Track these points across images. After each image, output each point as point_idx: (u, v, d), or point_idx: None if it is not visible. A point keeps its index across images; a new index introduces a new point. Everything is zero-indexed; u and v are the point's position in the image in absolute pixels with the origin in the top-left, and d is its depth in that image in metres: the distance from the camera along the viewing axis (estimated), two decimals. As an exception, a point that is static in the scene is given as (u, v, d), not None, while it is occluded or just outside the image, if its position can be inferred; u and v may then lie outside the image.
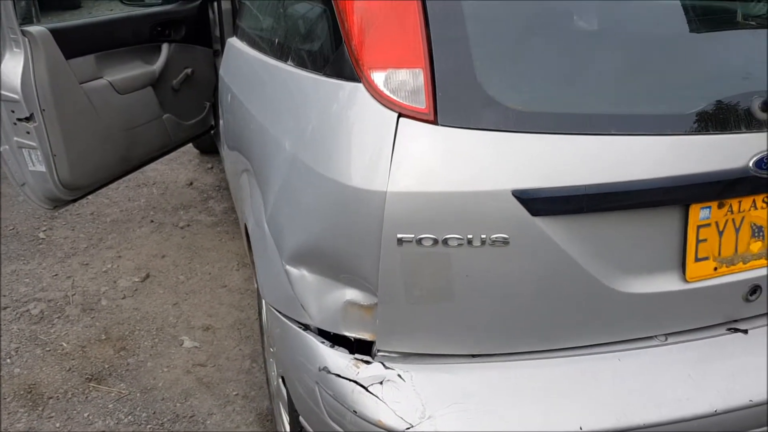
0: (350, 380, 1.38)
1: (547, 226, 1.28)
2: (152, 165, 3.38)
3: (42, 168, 2.72)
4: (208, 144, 4.32)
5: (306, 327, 1.51)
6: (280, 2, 1.92)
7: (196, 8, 3.45)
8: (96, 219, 3.68)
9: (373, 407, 1.33)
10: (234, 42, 2.38)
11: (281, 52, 1.79)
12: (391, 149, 1.28)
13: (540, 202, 1.27)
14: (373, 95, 1.33)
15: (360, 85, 1.35)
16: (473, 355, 1.41)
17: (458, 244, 1.28)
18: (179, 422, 2.24)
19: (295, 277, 1.49)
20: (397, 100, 1.31)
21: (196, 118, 3.60)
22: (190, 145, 4.22)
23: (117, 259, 3.27)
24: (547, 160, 1.28)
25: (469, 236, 1.28)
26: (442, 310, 1.35)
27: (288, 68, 1.69)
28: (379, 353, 1.43)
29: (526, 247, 1.29)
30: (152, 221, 3.66)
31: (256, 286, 2.30)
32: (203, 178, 4.24)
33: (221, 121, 2.58)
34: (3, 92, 2.54)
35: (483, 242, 1.28)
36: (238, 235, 3.49)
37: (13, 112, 2.60)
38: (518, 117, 1.29)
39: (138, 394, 2.37)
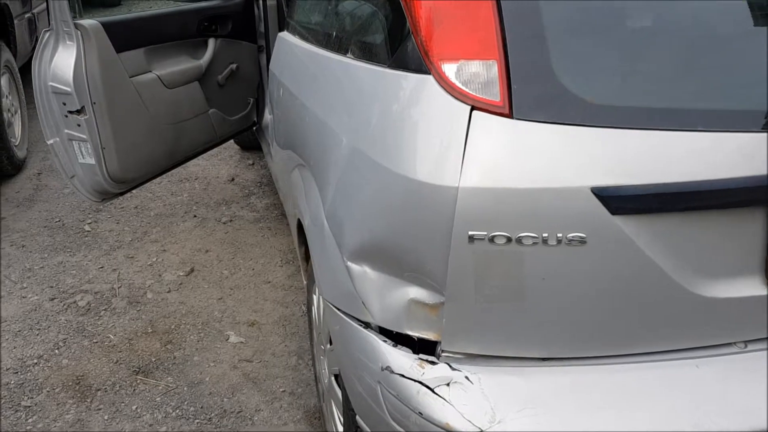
0: (415, 381, 1.34)
1: (627, 225, 1.23)
2: (194, 160, 3.37)
3: (91, 160, 2.73)
4: (250, 140, 4.31)
5: (367, 325, 1.48)
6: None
7: (242, 3, 3.44)
8: (140, 213, 3.70)
9: (439, 409, 1.29)
10: (285, 36, 2.36)
11: (339, 45, 1.76)
12: (463, 143, 1.24)
13: (621, 200, 1.21)
14: (443, 87, 1.29)
15: (429, 77, 1.31)
16: (543, 359, 1.35)
17: (533, 243, 1.23)
18: (227, 417, 2.23)
19: (356, 274, 1.46)
20: (470, 92, 1.27)
21: (240, 114, 3.60)
22: (232, 141, 4.22)
23: (162, 252, 3.27)
24: (628, 156, 1.22)
25: (545, 235, 1.23)
26: (512, 310, 1.31)
27: (347, 61, 1.66)
28: (444, 354, 1.38)
29: (604, 248, 1.24)
30: (195, 216, 3.66)
31: (304, 282, 2.28)
32: (245, 174, 4.24)
33: (270, 117, 2.56)
34: (55, 85, 2.56)
35: (559, 241, 1.23)
36: (280, 232, 3.48)
37: (64, 104, 2.62)
38: (597, 111, 1.24)
39: (185, 388, 2.36)
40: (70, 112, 2.63)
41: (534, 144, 1.23)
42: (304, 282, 2.31)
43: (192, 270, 3.11)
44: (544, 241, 1.23)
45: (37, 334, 2.65)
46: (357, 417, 1.61)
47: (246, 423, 2.21)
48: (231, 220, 3.61)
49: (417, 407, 1.32)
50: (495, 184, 1.22)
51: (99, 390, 2.35)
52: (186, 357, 2.52)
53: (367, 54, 1.58)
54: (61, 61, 2.55)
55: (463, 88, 1.27)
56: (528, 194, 1.22)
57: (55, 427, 2.19)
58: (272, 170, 3.33)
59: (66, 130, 2.68)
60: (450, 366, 1.34)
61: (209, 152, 3.52)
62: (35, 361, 2.50)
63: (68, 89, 2.56)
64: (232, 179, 4.15)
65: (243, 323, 2.73)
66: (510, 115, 1.24)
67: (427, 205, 1.27)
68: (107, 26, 2.62)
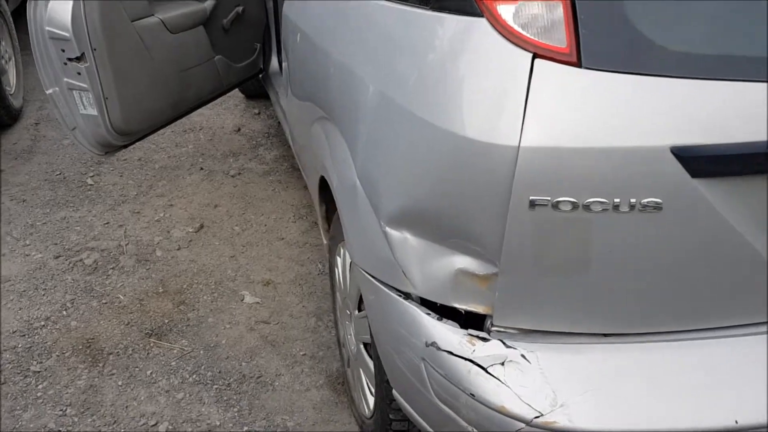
0: (465, 359, 1.22)
1: (708, 189, 1.09)
2: (198, 110, 3.21)
3: (93, 111, 2.57)
4: (255, 88, 4.12)
5: (407, 296, 1.35)
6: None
7: (247, -58, 3.22)
8: (144, 165, 3.55)
9: (494, 391, 1.18)
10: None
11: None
12: (524, 96, 1.09)
13: (703, 162, 1.07)
14: (499, 32, 1.13)
15: (482, 21, 1.15)
16: (605, 335, 1.24)
17: (602, 210, 1.10)
18: (246, 383, 2.14)
19: (396, 241, 1.33)
20: (532, 37, 1.11)
21: (247, 61, 3.41)
22: (236, 89, 4.04)
23: (169, 207, 3.14)
24: (712, 111, 1.08)
25: (616, 200, 1.10)
26: (575, 283, 1.18)
27: (379, 3, 1.49)
28: (494, 329, 1.27)
29: (681, 214, 1.11)
30: (202, 168, 3.51)
31: (324, 242, 2.15)
32: (251, 124, 4.07)
33: (284, 65, 2.39)
34: (53, 30, 2.37)
35: (632, 207, 1.10)
36: (291, 185, 3.34)
37: (63, 51, 2.44)
38: (677, 59, 1.09)
39: (201, 352, 2.26)
40: (70, 59, 2.45)
41: (605, 97, 1.08)
42: (324, 242, 2.19)
43: (201, 226, 2.98)
44: (615, 207, 1.10)
45: (43, 295, 2.54)
46: (393, 391, 1.51)
47: (266, 389, 2.12)
48: (239, 173, 3.46)
49: (468, 388, 1.21)
50: (561, 143, 1.08)
51: (111, 354, 2.25)
52: (200, 318, 2.42)
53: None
54: (58, 5, 2.36)
55: (523, 32, 1.12)
56: (598, 154, 1.08)
57: (66, 393, 2.10)
58: (284, 121, 3.16)
59: (66, 79, 2.50)
60: (504, 343, 1.23)
61: (213, 101, 3.35)
62: (42, 323, 2.39)
63: (67, 34, 2.37)
64: (238, 129, 3.98)
65: (258, 282, 2.61)
66: (578, 64, 1.09)
67: (481, 167, 1.14)
68: (106, -32, 2.42)
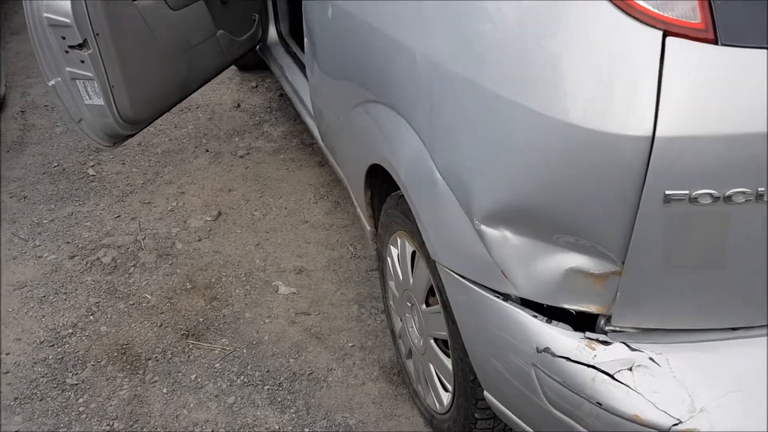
0: (587, 365, 1.14)
1: None
2: (199, 87, 3.05)
3: (99, 101, 2.40)
4: (249, 60, 3.93)
5: (506, 297, 1.26)
6: None
7: None
8: (145, 150, 3.37)
9: (624, 399, 1.10)
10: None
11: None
12: (656, 80, 0.99)
13: None
14: (621, 8, 1.02)
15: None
16: (734, 329, 1.16)
17: (745, 200, 1.01)
18: (298, 381, 2.04)
19: (493, 240, 1.22)
20: (660, 13, 1.00)
21: (247, 33, 3.24)
22: (231, 62, 3.85)
23: (180, 195, 2.99)
24: None
25: (761, 189, 1.00)
26: (707, 278, 1.10)
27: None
28: (609, 329, 1.18)
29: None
30: (207, 150, 3.35)
31: (367, 228, 2.05)
32: (250, 98, 3.89)
33: (307, 43, 2.23)
34: (51, 16, 2.19)
35: (777, 196, 1.00)
36: (305, 163, 3.20)
37: (63, 38, 2.25)
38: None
39: (244, 351, 2.16)
40: (71, 47, 2.27)
41: (747, 77, 0.98)
42: (368, 228, 2.08)
43: (219, 213, 2.84)
44: (759, 196, 1.01)
45: (65, 299, 2.40)
46: (486, 392, 1.43)
47: (320, 386, 2.03)
48: (248, 153, 3.31)
49: (594, 396, 1.12)
50: (700, 130, 0.98)
51: (149, 359, 2.14)
52: (236, 314, 2.31)
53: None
54: (56, -11, 2.18)
55: (650, 8, 1.00)
56: (742, 141, 0.98)
57: (110, 405, 1.99)
58: (294, 97, 3.01)
59: (68, 68, 2.32)
60: (628, 346, 1.14)
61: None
62: (70, 330, 2.26)
63: (67, 20, 2.19)
64: (238, 105, 3.80)
65: (290, 271, 2.50)
66: (714, 41, 0.98)
67: (607, 160, 1.03)
68: (104, -54, 2.22)
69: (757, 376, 1.11)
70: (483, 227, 1.23)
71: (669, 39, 0.98)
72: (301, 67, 3.19)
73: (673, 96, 0.98)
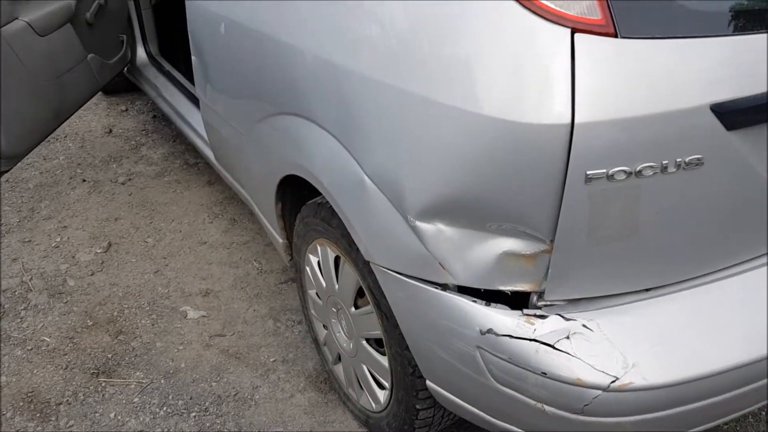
0: (529, 340, 1.23)
1: (740, 140, 1.17)
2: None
3: (-31, 137, 2.24)
4: (115, 83, 3.77)
5: (444, 287, 1.33)
6: None
7: None
8: (15, 187, 3.14)
9: (565, 366, 1.20)
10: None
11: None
12: (569, 73, 1.09)
13: (737, 114, 1.14)
14: (531, 10, 1.12)
15: (510, 2, 1.12)
16: (647, 290, 1.29)
17: (653, 174, 1.14)
18: (224, 403, 2.00)
19: (428, 234, 1.29)
20: (566, 12, 1.10)
21: (117, 55, 3.12)
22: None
23: (63, 230, 2.82)
24: (741, 65, 1.14)
25: (664, 162, 1.13)
26: (625, 246, 1.22)
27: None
28: (542, 304, 1.28)
29: (719, 166, 1.17)
30: (84, 180, 3.18)
31: (279, 241, 2.05)
32: (122, 123, 3.73)
33: (196, 61, 2.19)
34: None
35: (678, 166, 1.14)
36: (192, 183, 3.13)
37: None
38: (703, 18, 1.14)
39: (162, 381, 2.08)
40: (-68, 80, 2.11)
41: (646, 65, 1.11)
42: (280, 241, 2.08)
43: (110, 244, 2.71)
44: (664, 168, 1.14)
45: (-51, 355, 2.20)
46: (428, 382, 1.49)
47: (248, 404, 2.00)
48: (129, 179, 3.18)
49: (538, 367, 1.21)
50: (613, 115, 1.10)
51: (60, 404, 2.01)
52: (147, 345, 2.22)
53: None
54: None
55: (557, 8, 1.11)
56: (648, 121, 1.11)
57: (22, 460, 1.85)
58: (176, 116, 2.94)
59: (-71, 104, 2.15)
60: (563, 317, 1.24)
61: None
62: (-39, 387, 2.08)
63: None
64: (110, 131, 3.64)
65: (196, 294, 2.44)
66: (615, 35, 1.10)
67: (530, 148, 1.12)
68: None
69: (672, 329, 1.25)
70: (417, 223, 1.29)
71: (577, 35, 1.09)
72: (179, 85, 3.12)
73: (586, 86, 1.08)
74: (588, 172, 1.12)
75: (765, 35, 1.14)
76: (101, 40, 2.95)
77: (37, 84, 2.44)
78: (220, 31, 1.92)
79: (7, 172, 2.47)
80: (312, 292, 1.95)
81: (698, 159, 1.15)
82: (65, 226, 2.84)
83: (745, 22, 1.15)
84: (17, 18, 2.36)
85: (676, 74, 1.11)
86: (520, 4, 1.12)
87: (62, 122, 2.70)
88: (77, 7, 2.70)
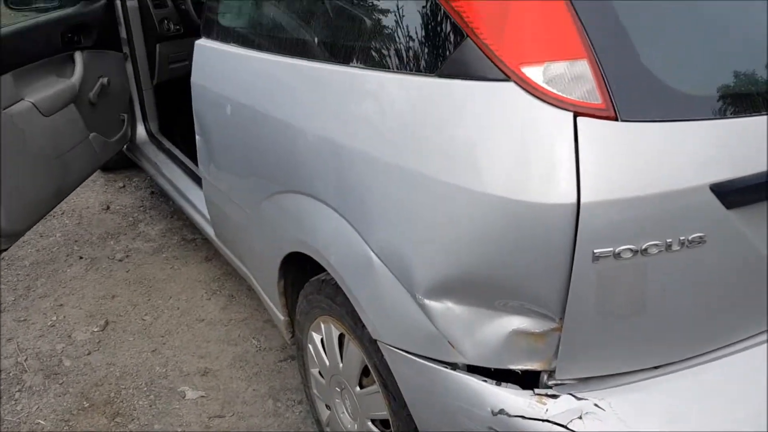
0: (542, 420, 1.22)
1: (740, 218, 1.19)
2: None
3: (-29, 216, 2.25)
4: (113, 160, 3.81)
5: (454, 366, 1.32)
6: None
7: (103, 8, 3.01)
8: (11, 265, 3.13)
9: (580, 445, 1.19)
10: (216, 46, 2.04)
11: (334, 53, 1.53)
12: (574, 154, 1.12)
13: (736, 194, 1.17)
14: (533, 94, 1.16)
15: (510, 84, 1.17)
16: (655, 367, 1.29)
17: (658, 252, 1.16)
18: (224, 488, 1.95)
19: (437, 312, 1.29)
20: (568, 97, 1.15)
21: (118, 133, 3.18)
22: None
23: (59, 308, 2.79)
24: (738, 146, 1.18)
25: (668, 240, 1.16)
26: (632, 324, 1.23)
27: (357, 72, 1.45)
28: (552, 383, 1.27)
29: (720, 244, 1.20)
30: (81, 257, 3.17)
31: (281, 318, 2.04)
32: (119, 199, 3.75)
33: (199, 140, 2.23)
34: None
35: (682, 244, 1.16)
36: (190, 259, 3.13)
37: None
38: (699, 102, 1.18)
39: (160, 466, 2.03)
40: (-62, 161, 2.14)
41: (646, 146, 1.14)
42: (282, 318, 2.07)
43: (107, 323, 2.68)
44: (668, 247, 1.16)
45: (-61, 440, 2.14)
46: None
47: (249, 489, 1.95)
48: (127, 256, 3.18)
49: (552, 448, 1.20)
50: (618, 194, 1.12)
51: (53, 492, 1.95)
52: (144, 428, 2.17)
53: (391, 62, 1.39)
54: None
55: (559, 93, 1.15)
56: (651, 200, 1.13)
57: None
58: (176, 194, 2.97)
59: (-67, 184, 2.17)
60: (574, 396, 1.24)
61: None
62: (-50, 475, 2.01)
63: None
64: (107, 207, 3.66)
65: (194, 374, 2.40)
66: (615, 118, 1.14)
67: (538, 227, 1.15)
68: (-32, 51, 2.14)
69: (681, 406, 1.24)
70: (426, 301, 1.30)
71: (579, 119, 1.13)
72: (179, 163, 3.17)
73: (591, 167, 1.12)
74: (595, 251, 1.14)
75: (760, 118, 1.19)
76: (103, 119, 3.01)
77: (40, 163, 2.48)
78: (225, 111, 1.97)
79: (5, 250, 2.48)
80: (314, 371, 1.93)
81: (700, 237, 1.17)
82: (61, 305, 2.81)
83: (741, 105, 1.19)
84: (23, 99, 2.42)
85: (675, 155, 1.14)
86: (522, 88, 1.16)
87: (62, 200, 2.73)
88: (81, 87, 2.77)
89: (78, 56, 2.81)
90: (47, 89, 2.57)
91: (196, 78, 2.14)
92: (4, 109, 2.30)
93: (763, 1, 1.28)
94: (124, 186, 3.92)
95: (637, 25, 1.21)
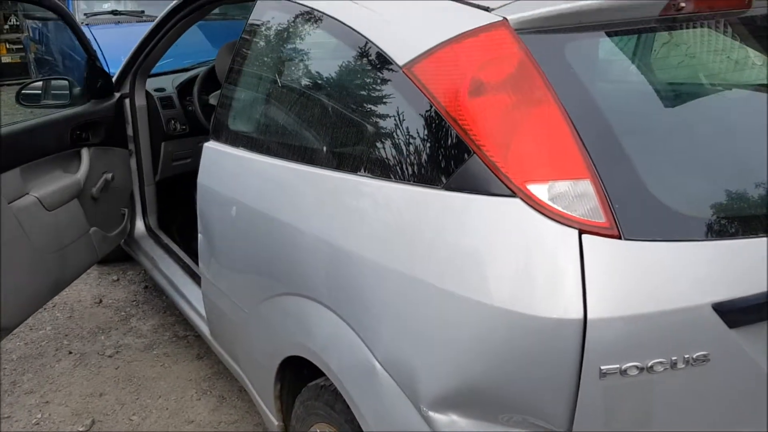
0: None
1: (742, 337, 1.21)
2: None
3: (-35, 309, 2.23)
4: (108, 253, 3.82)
5: (456, 481, 1.29)
6: (332, 102, 1.71)
7: (113, 107, 3.11)
8: (-3, 358, 3.07)
9: None
10: (225, 149, 2.09)
11: (341, 161, 1.59)
12: (579, 271, 1.15)
13: (738, 313, 1.19)
14: (538, 211, 1.20)
15: (517, 201, 1.22)
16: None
17: (663, 369, 1.17)
18: None
19: (441, 425, 1.28)
20: (573, 215, 1.19)
21: (118, 228, 3.20)
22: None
23: (45, 405, 2.72)
24: (738, 266, 1.21)
25: (674, 358, 1.17)
26: (640, 440, 1.22)
27: (366, 181, 1.49)
28: (556, 499, 1.25)
29: (724, 362, 1.21)
30: (70, 352, 3.12)
31: (275, 423, 2.00)
32: (112, 293, 3.73)
33: (201, 239, 2.26)
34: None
35: (686, 362, 1.18)
36: (181, 357, 3.08)
37: (-68, 245, 2.12)
38: (697, 224, 1.23)
39: None
40: (-62, 254, 2.14)
41: (650, 265, 1.18)
42: (276, 423, 2.02)
43: (93, 422, 2.61)
44: (673, 364, 1.17)
45: None
46: None
47: None
48: (117, 352, 3.13)
49: None
50: (623, 311, 1.15)
51: None
52: None
53: (397, 173, 1.44)
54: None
55: (564, 210, 1.19)
56: (656, 318, 1.16)
57: None
58: (171, 290, 2.96)
59: (-68, 277, 2.17)
60: None
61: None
62: None
63: (-62, 228, 2.07)
64: (100, 301, 3.63)
65: (181, 479, 2.32)
66: (619, 236, 1.18)
67: (544, 341, 1.16)
68: (-20, 147, 2.19)
69: None
70: (431, 414, 1.28)
71: (585, 236, 1.17)
72: (176, 258, 3.18)
73: (596, 284, 1.14)
74: (602, 367, 1.15)
75: (760, 239, 1.23)
76: (104, 214, 3.04)
77: (40, 257, 2.48)
78: (230, 212, 2.00)
79: (-4, 345, 2.44)
80: (310, 480, 1.87)
81: (704, 355, 1.18)
82: (47, 402, 2.74)
83: (740, 227, 1.24)
84: (28, 193, 2.45)
85: (678, 274, 1.18)
86: (528, 204, 1.21)
87: (58, 293, 2.71)
88: (85, 183, 2.81)
89: (85, 153, 2.87)
90: (52, 184, 2.61)
91: (202, 179, 2.19)
92: (9, 203, 2.33)
93: (761, 126, 1.35)
94: (117, 279, 3.90)
95: (637, 147, 1.27)
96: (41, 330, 3.33)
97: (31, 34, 7.22)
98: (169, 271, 3.10)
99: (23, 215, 2.38)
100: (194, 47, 4.33)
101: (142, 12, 5.72)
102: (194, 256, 3.08)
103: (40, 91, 3.19)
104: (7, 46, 9.40)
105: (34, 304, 2.52)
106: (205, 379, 2.91)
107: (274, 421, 2.04)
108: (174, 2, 2.74)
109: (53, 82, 3.38)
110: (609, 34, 1.47)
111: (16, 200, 2.37)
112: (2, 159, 2.31)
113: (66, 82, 3.14)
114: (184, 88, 3.59)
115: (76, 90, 3.05)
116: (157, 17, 2.92)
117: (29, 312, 2.49)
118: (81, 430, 2.56)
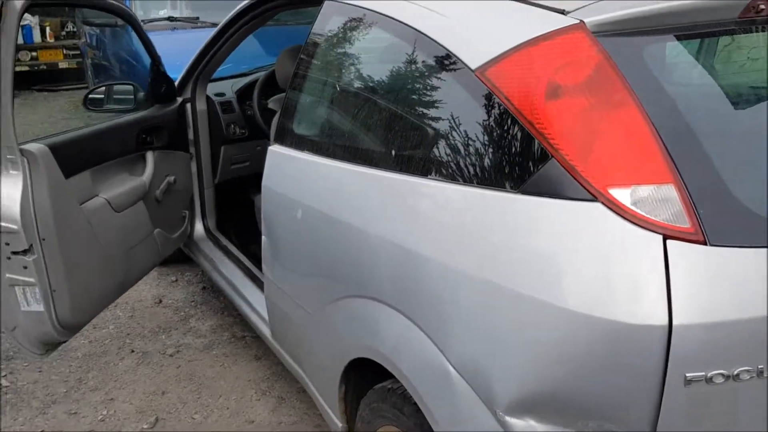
0: None
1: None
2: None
3: (39, 307, 2.31)
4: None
5: (533, 487, 1.28)
6: (399, 106, 1.72)
7: (176, 111, 3.18)
8: (63, 355, 3.16)
9: None
10: (291, 153, 2.12)
11: (411, 165, 1.59)
12: (664, 276, 1.14)
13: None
14: (622, 216, 1.19)
15: (597, 204, 1.20)
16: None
17: (749, 378, 1.14)
18: None
19: (518, 429, 1.27)
20: (657, 220, 1.17)
21: (180, 230, 3.27)
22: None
23: (110, 402, 2.79)
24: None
25: (760, 367, 1.14)
26: (722, 453, 1.19)
27: (436, 185, 1.49)
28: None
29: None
30: (133, 351, 3.20)
31: (339, 425, 2.01)
32: (172, 293, 3.81)
33: (265, 241, 2.29)
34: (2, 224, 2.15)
35: (774, 371, 1.15)
36: (240, 357, 3.13)
37: (7, 244, 2.20)
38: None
39: None
40: (14, 252, 2.21)
41: (735, 271, 1.15)
42: (340, 425, 2.04)
43: (157, 420, 2.67)
44: (760, 373, 1.14)
45: None
46: None
47: None
48: (178, 351, 3.19)
49: None
50: (709, 318, 1.13)
51: None
52: None
53: (466, 176, 1.44)
54: (7, 195, 2.15)
55: (648, 215, 1.18)
56: (742, 326, 1.13)
57: None
58: (231, 291, 3.01)
59: (7, 275, 2.25)
60: None
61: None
62: None
63: (15, 227, 2.16)
64: (160, 301, 3.71)
65: (243, 477, 2.36)
66: (705, 242, 1.16)
67: (628, 348, 1.15)
68: (55, 149, 2.27)
69: None
70: (507, 418, 1.28)
71: (669, 241, 1.15)
72: (235, 260, 3.23)
73: (682, 290, 1.12)
74: (687, 375, 1.13)
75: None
76: (167, 216, 3.11)
77: (108, 257, 2.55)
78: (295, 214, 2.03)
79: (65, 342, 2.52)
80: (376, 483, 1.88)
81: (790, 364, 1.15)
82: (112, 399, 2.82)
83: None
84: (98, 195, 2.53)
85: (764, 281, 1.15)
86: (609, 209, 1.19)
87: (123, 293, 2.79)
88: (150, 185, 2.89)
89: (149, 156, 2.95)
90: (120, 186, 2.68)
91: (267, 182, 2.22)
92: (81, 204, 2.40)
93: None
94: (176, 280, 3.99)
95: (718, 150, 1.25)
96: (104, 329, 3.43)
97: (89, 41, 7.42)
98: (229, 272, 3.15)
99: (93, 216, 2.45)
100: (251, 53, 4.38)
101: (197, 18, 5.83)
102: (253, 258, 3.13)
103: (103, 96, 3.30)
104: (65, 51, 9.68)
105: (101, 304, 2.60)
106: (264, 379, 2.94)
107: (338, 423, 2.05)
108: (236, 9, 2.79)
109: (117, 87, 3.49)
110: (687, 37, 1.45)
111: (86, 201, 2.44)
112: (73, 161, 2.38)
113: (131, 87, 3.24)
114: (243, 93, 3.65)
115: (141, 94, 3.13)
116: (210, 23, 2.98)
117: (96, 311, 2.56)
118: (146, 427, 2.62)
